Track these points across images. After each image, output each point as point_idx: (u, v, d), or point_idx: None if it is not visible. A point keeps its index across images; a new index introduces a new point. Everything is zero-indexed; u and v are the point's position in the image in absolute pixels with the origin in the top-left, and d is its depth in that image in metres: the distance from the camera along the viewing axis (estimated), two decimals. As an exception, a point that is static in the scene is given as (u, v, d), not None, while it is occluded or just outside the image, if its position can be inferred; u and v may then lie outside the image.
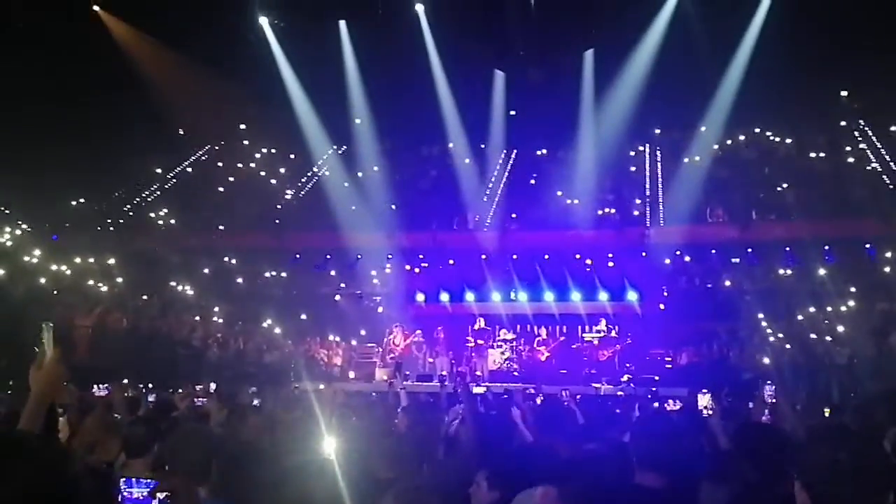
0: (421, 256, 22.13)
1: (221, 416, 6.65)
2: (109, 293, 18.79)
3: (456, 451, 5.52)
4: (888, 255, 18.78)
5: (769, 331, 18.22)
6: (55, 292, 17.79)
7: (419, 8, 21.58)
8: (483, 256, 21.59)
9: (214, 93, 22.37)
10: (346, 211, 22.51)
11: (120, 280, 19.75)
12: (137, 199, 24.29)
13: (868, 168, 22.44)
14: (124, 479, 2.59)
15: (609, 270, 20.64)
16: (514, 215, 23.33)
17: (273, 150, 27.15)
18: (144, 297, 19.88)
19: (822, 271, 19.05)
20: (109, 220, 23.13)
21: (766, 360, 16.74)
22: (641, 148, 25.22)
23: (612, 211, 23.36)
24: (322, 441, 5.28)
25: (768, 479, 3.62)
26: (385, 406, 9.09)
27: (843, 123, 24.22)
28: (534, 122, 24.21)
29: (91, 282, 19.07)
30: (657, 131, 25.18)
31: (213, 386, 11.73)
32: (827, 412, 11.20)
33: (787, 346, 17.19)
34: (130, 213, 23.88)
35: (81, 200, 22.92)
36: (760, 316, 18.69)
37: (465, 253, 21.81)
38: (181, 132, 24.71)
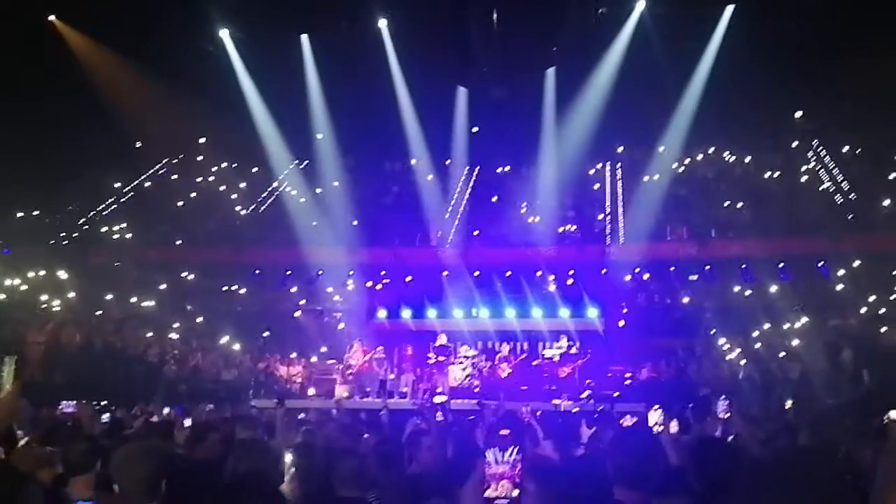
0: (382, 272, 22.02)
1: (182, 435, 6.53)
2: (63, 308, 18.38)
3: (417, 469, 5.48)
4: (840, 272, 19.18)
5: (726, 347, 18.47)
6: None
7: (382, 23, 21.64)
8: (445, 273, 21.58)
9: (173, 105, 22.12)
10: (307, 226, 22.36)
11: (73, 295, 19.33)
12: (92, 213, 23.85)
13: (821, 187, 22.95)
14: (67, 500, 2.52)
15: (570, 287, 20.74)
16: (476, 232, 23.39)
17: (233, 165, 26.88)
18: (99, 313, 19.48)
19: (776, 288, 19.40)
20: (63, 234, 22.69)
21: (723, 376, 16.98)
22: (601, 165, 25.50)
23: (573, 228, 23.53)
24: (281, 459, 5.21)
25: (718, 494, 3.65)
26: (345, 423, 9.01)
27: (794, 144, 24.79)
28: (496, 138, 24.39)
29: (44, 297, 18.65)
30: (619, 149, 25.49)
31: (166, 410, 11.50)
32: (789, 404, 11.43)
33: (743, 361, 17.43)
34: (85, 227, 23.43)
35: (34, 213, 22.45)
36: (717, 332, 18.94)
37: (427, 269, 21.77)
38: (138, 145, 24.37)
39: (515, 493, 2.64)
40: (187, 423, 7.81)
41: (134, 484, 3.26)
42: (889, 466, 1.69)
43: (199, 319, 20.86)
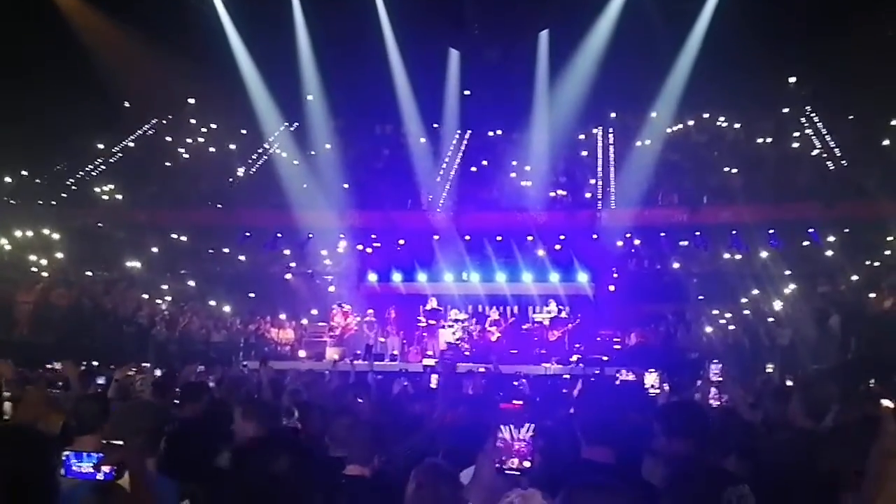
0: (373, 236, 21.99)
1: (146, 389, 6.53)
2: (52, 269, 18.28)
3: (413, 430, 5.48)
4: (830, 238, 19.26)
5: (715, 312, 18.58)
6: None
7: (374, -17, 21.36)
8: (435, 237, 21.56)
9: (161, 65, 21.83)
10: (298, 189, 22.24)
11: (62, 255, 19.24)
12: (81, 174, 23.65)
13: (812, 153, 22.94)
14: (70, 451, 2.51)
15: (560, 252, 20.77)
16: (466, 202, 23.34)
17: (223, 126, 26.62)
18: (88, 274, 19.40)
19: (767, 254, 19.48)
20: (51, 195, 22.51)
21: (712, 341, 17.11)
22: (594, 130, 25.38)
23: (565, 193, 23.51)
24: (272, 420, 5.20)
25: (693, 454, 3.68)
26: (338, 385, 9.03)
27: (786, 110, 24.71)
28: (488, 102, 24.19)
29: (33, 257, 18.56)
30: (612, 115, 25.36)
31: (157, 372, 11.46)
32: (770, 368, 11.56)
33: (732, 327, 17.56)
34: (73, 188, 23.25)
35: (23, 174, 22.25)
36: (707, 298, 19.03)
37: (418, 233, 21.75)
38: (126, 105, 24.08)
39: (527, 464, 2.68)
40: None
41: (135, 438, 3.26)
42: (878, 461, 1.70)
43: (189, 281, 20.81)
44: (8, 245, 18.84)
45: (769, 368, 12.11)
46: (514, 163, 24.07)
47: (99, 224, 21.53)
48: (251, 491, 2.81)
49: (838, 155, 22.06)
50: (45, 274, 17.85)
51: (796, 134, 23.99)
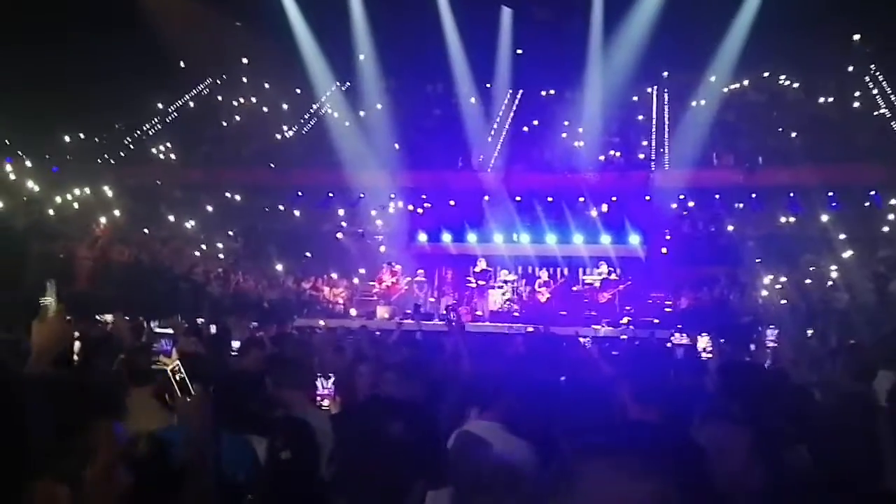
0: (423, 196, 22.04)
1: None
2: (111, 226, 18.75)
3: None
4: (893, 201, 18.68)
5: (770, 276, 18.23)
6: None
7: (425, -60, 21.10)
8: (486, 197, 21.51)
9: (215, 25, 22.01)
10: (349, 148, 22.33)
11: (120, 213, 19.71)
12: (138, 133, 24.12)
13: (876, 113, 22.15)
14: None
15: (612, 214, 20.57)
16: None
17: (275, 85, 26.80)
18: (146, 231, 19.88)
19: (825, 217, 19.00)
20: (108, 155, 23.02)
21: (766, 305, 16.82)
22: (649, 90, 24.86)
23: (618, 154, 23.19)
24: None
25: (752, 416, 3.65)
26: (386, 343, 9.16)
27: (850, 69, 23.81)
28: (541, 61, 23.79)
29: (92, 214, 19.04)
30: (665, 74, 24.77)
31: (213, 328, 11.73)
32: (809, 333, 11.36)
33: (787, 291, 17.21)
34: (131, 147, 23.74)
35: (81, 135, 22.75)
36: (762, 261, 18.67)
37: (468, 193, 21.72)
38: (182, 65, 24.36)
39: None
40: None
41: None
42: None
43: (243, 239, 21.19)
44: (71, 203, 19.34)
45: (809, 332, 11.84)
46: (567, 123, 23.76)
47: (157, 182, 22.00)
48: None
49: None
50: (103, 231, 18.31)
51: (858, 93, 23.15)
